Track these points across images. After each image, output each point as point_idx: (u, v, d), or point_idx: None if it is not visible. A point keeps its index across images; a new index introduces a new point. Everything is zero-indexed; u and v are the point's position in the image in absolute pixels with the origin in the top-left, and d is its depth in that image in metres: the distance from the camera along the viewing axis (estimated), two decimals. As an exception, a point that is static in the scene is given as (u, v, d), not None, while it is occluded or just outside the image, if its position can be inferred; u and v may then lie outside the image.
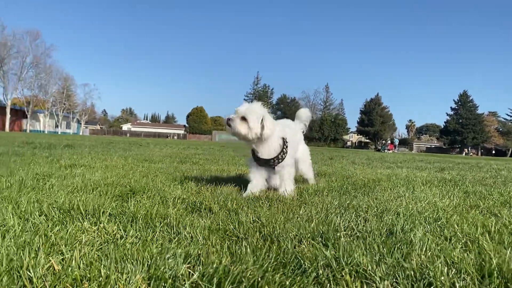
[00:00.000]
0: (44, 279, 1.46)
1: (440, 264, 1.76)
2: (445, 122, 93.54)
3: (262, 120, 3.55)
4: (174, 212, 2.64)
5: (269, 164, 3.79)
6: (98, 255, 1.72)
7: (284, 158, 3.77)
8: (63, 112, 76.11)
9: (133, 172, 5.40)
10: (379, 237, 2.27)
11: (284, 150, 3.76)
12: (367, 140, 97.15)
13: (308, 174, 4.75)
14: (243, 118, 3.50)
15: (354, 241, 2.17)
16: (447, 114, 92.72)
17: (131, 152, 10.99)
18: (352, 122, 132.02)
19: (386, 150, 47.89)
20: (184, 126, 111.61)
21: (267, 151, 3.73)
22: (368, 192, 4.30)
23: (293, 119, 4.74)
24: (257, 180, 3.83)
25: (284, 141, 3.80)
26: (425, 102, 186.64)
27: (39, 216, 2.37)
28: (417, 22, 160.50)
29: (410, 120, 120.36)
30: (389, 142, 53.99)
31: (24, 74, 61.08)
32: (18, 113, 64.40)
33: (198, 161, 8.44)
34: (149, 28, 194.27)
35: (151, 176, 4.98)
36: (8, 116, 56.42)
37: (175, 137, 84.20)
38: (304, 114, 4.77)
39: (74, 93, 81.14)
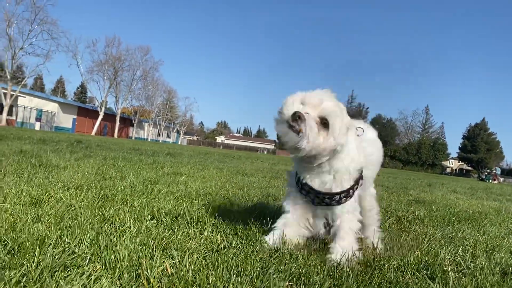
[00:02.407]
0: (159, 280, 1.57)
1: None
2: None
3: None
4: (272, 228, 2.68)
5: (324, 202, 2.25)
6: (205, 263, 1.81)
7: (352, 196, 2.25)
8: (165, 122, 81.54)
9: (229, 184, 5.60)
10: (491, 276, 2.09)
11: (359, 181, 2.27)
12: (469, 168, 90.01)
13: (370, 232, 2.64)
14: (324, 121, 2.01)
15: (464, 277, 2.02)
16: None
17: (225, 164, 11.39)
18: (453, 147, 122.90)
19: (490, 180, 43.95)
20: (274, 141, 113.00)
21: (329, 179, 2.20)
22: (473, 225, 3.99)
23: (385, 143, 2.76)
24: (296, 218, 2.36)
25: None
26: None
27: (151, 219, 2.57)
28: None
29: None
30: (495, 172, 49.24)
31: (134, 86, 66.64)
32: (126, 121, 70.35)
33: (290, 177, 8.48)
34: (246, 50, 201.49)
35: (246, 189, 5.12)
36: (117, 123, 61.86)
37: (265, 152, 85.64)
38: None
39: (176, 105, 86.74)
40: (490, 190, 13.14)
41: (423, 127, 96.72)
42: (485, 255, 2.62)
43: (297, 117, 1.95)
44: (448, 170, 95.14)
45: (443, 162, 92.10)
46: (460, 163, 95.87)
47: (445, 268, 2.11)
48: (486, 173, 54.76)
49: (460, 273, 2.11)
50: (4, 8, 41.17)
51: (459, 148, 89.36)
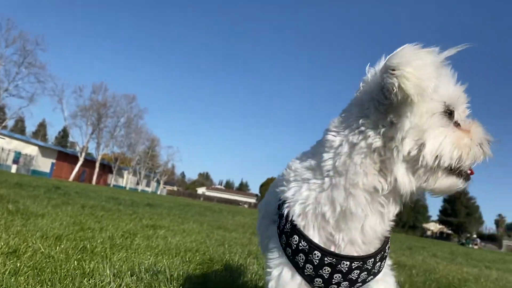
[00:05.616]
0: None
1: None
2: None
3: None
4: (254, 289, 2.66)
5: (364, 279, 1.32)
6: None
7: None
8: (145, 171, 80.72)
9: (210, 240, 5.53)
10: None
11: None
12: (450, 232, 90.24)
13: None
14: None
15: None
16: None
17: (206, 217, 11.27)
18: (434, 210, 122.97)
19: (470, 245, 44.27)
20: (256, 195, 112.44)
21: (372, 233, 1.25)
22: (454, 293, 4.00)
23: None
24: None
25: None
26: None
27: (131, 276, 2.52)
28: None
29: (499, 215, 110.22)
30: (477, 239, 50.07)
31: (117, 133, 66.43)
32: (105, 168, 69.31)
33: (271, 234, 8.41)
34: (228, 100, 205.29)
35: (227, 246, 5.06)
36: (96, 170, 60.98)
37: (246, 206, 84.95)
38: None
39: (158, 154, 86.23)
40: (470, 256, 13.20)
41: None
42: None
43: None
44: (429, 233, 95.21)
45: (423, 225, 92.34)
46: (440, 226, 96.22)
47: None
48: (466, 238, 55.30)
49: None
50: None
51: (440, 211, 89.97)
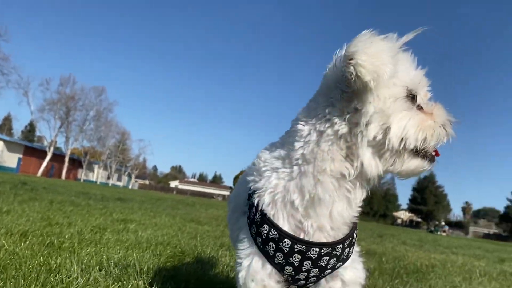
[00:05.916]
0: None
1: None
2: (505, 207, 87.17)
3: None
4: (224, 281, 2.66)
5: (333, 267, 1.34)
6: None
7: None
8: (116, 165, 79.28)
9: (182, 233, 5.50)
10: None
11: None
12: (419, 220, 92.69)
13: None
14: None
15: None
16: (508, 199, 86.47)
17: (178, 211, 11.19)
18: (404, 199, 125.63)
19: (439, 232, 45.86)
20: (230, 188, 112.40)
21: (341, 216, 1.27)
22: (421, 278, 4.12)
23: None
24: None
25: None
26: (483, 184, 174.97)
27: (99, 270, 2.48)
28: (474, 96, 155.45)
29: (466, 202, 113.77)
30: (445, 226, 51.89)
31: (86, 126, 64.83)
32: (75, 163, 67.69)
33: (244, 226, 8.43)
34: (203, 94, 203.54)
35: (199, 239, 5.05)
36: (66, 164, 59.48)
37: (220, 198, 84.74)
38: None
39: (129, 148, 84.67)
40: (438, 243, 13.63)
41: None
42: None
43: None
44: (399, 221, 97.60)
45: (394, 213, 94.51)
46: (410, 214, 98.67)
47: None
48: (435, 225, 57.27)
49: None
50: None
51: (409, 200, 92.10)
